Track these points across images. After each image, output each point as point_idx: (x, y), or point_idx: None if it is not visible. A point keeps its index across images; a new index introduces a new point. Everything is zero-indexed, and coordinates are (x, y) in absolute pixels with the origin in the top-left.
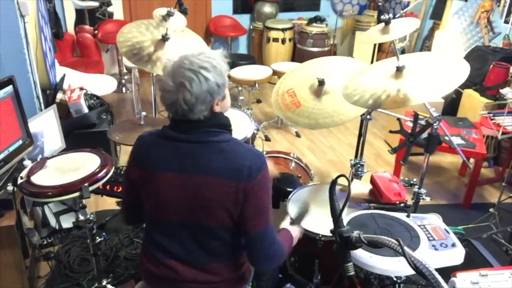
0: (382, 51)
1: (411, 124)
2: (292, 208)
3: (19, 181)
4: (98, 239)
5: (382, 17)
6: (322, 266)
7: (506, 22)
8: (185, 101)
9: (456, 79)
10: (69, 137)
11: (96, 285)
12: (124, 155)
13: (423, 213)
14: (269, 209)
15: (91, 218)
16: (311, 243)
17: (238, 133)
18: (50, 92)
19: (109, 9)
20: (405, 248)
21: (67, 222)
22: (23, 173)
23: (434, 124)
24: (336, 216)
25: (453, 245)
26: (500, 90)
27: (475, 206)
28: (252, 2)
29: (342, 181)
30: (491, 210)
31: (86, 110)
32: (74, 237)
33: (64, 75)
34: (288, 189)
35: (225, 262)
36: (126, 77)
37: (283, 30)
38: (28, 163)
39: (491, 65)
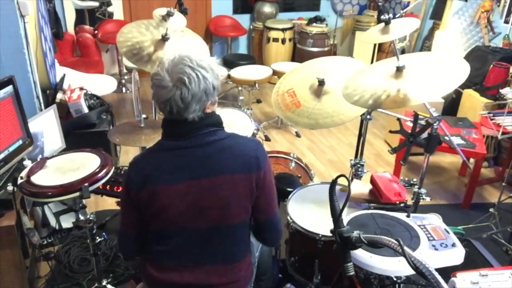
0: (382, 51)
1: (411, 124)
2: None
3: (19, 181)
4: (98, 239)
5: (382, 17)
6: (322, 266)
7: (506, 22)
8: (182, 98)
9: (456, 79)
10: (69, 137)
11: (96, 285)
12: (124, 155)
13: (423, 213)
14: (276, 193)
15: (91, 218)
16: (311, 243)
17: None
18: (50, 92)
19: (109, 9)
20: (405, 248)
21: (67, 222)
22: (23, 173)
23: (434, 124)
24: (336, 216)
25: (453, 245)
26: (500, 90)
27: (475, 206)
28: (252, 2)
29: (342, 181)
30: (491, 210)
31: (86, 110)
32: (74, 237)
33: (64, 75)
34: (288, 189)
35: (234, 264)
36: (126, 77)
37: (283, 30)
38: (28, 163)
39: (491, 65)
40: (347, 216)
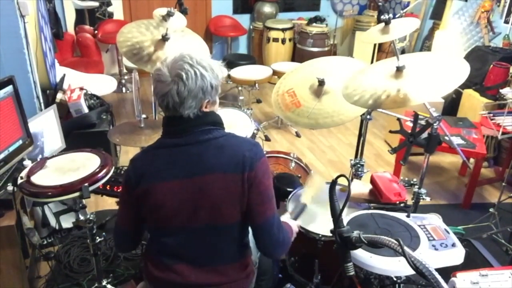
0: (382, 51)
1: (411, 124)
2: (291, 207)
3: (19, 181)
4: (98, 239)
5: (382, 17)
6: (322, 266)
7: (506, 22)
8: (178, 92)
9: (456, 79)
10: (69, 137)
11: (96, 285)
12: (124, 155)
13: (423, 213)
14: (273, 196)
15: (91, 218)
16: (311, 243)
17: (238, 133)
18: (50, 92)
19: (109, 9)
20: (405, 248)
21: (67, 222)
22: (23, 173)
23: (434, 124)
24: (336, 216)
25: (453, 245)
26: (500, 90)
27: (475, 206)
28: (252, 2)
29: (342, 181)
30: (491, 210)
31: (86, 110)
32: (74, 237)
33: (64, 75)
34: (288, 189)
35: (232, 263)
36: (126, 77)
37: (283, 30)
38: (28, 163)
39: (491, 65)
40: (347, 216)
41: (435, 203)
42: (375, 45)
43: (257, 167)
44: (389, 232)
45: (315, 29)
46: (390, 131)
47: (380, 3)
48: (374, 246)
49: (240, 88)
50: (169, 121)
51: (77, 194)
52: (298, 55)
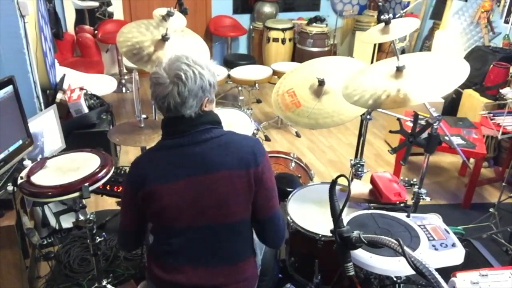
0: (382, 51)
1: (411, 124)
2: None
3: (19, 181)
4: (98, 239)
5: (382, 17)
6: (322, 266)
7: (506, 22)
8: (179, 93)
9: (456, 79)
10: (69, 137)
11: (96, 285)
12: (124, 155)
13: (423, 213)
14: (276, 190)
15: (91, 218)
16: (311, 243)
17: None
18: (50, 92)
19: (109, 9)
20: (405, 248)
21: (67, 222)
22: (23, 173)
23: (434, 124)
24: (336, 216)
25: (453, 245)
26: (500, 90)
27: (475, 206)
28: (252, 2)
29: (342, 181)
30: (491, 210)
31: (86, 110)
32: (74, 237)
33: (64, 75)
34: (288, 189)
35: (239, 263)
36: (126, 77)
37: (283, 30)
38: (28, 163)
39: (491, 65)
40: (347, 216)
41: (435, 203)
42: (375, 45)
43: (262, 162)
44: (389, 232)
45: (315, 29)
46: (390, 131)
47: (380, 3)
48: (374, 246)
49: (240, 88)
50: (170, 122)
51: (77, 194)
52: (298, 55)
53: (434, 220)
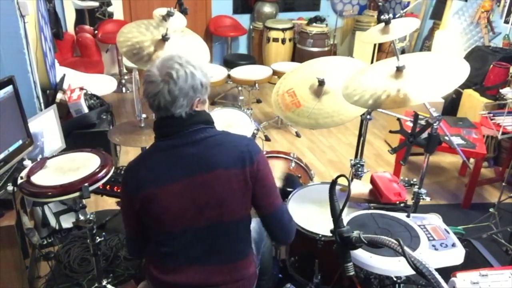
0: (382, 51)
1: (411, 124)
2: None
3: (19, 181)
4: (98, 239)
5: (382, 17)
6: (322, 266)
7: (506, 22)
8: (169, 91)
9: (456, 79)
10: (69, 137)
11: (96, 285)
12: (124, 155)
13: (423, 213)
14: (276, 187)
15: (91, 218)
16: (311, 243)
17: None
18: (50, 92)
19: (109, 9)
20: (405, 248)
21: (67, 222)
22: (23, 173)
23: (434, 124)
24: (336, 216)
25: (453, 245)
26: (500, 90)
27: (475, 206)
28: (252, 2)
29: (342, 181)
30: (491, 210)
31: (86, 110)
32: (74, 237)
33: (64, 75)
34: (288, 189)
35: (237, 262)
36: (126, 77)
37: (283, 30)
38: (28, 163)
39: (491, 65)
40: (347, 216)
41: (435, 203)
42: (375, 45)
43: (257, 160)
44: (389, 232)
45: (315, 29)
46: (390, 131)
47: (380, 3)
48: (374, 246)
49: (240, 88)
50: (162, 122)
51: (77, 194)
52: (298, 55)
53: (434, 220)
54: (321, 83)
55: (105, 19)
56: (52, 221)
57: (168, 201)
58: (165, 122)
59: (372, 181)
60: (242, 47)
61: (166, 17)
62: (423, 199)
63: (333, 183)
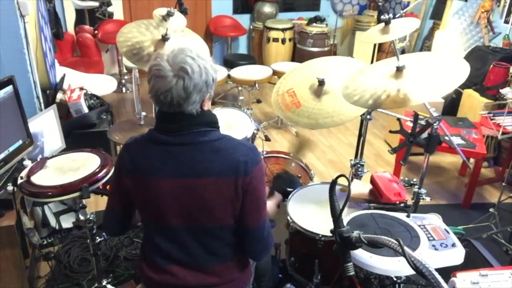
0: (382, 51)
1: (411, 124)
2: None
3: (19, 181)
4: (98, 239)
5: (382, 17)
6: (322, 266)
7: (506, 22)
8: (184, 87)
9: (456, 79)
10: (69, 137)
11: (96, 285)
12: None
13: (423, 213)
14: (266, 202)
15: (91, 218)
16: (311, 243)
17: (238, 133)
18: (50, 92)
19: (109, 9)
20: (405, 248)
21: (67, 222)
22: (23, 173)
23: (434, 124)
24: (336, 216)
25: (453, 245)
26: (500, 90)
27: (475, 206)
28: (252, 2)
29: (342, 181)
30: (491, 210)
31: (86, 110)
32: (74, 237)
33: (64, 75)
34: (288, 189)
35: (227, 263)
36: (126, 77)
37: (283, 30)
38: (28, 163)
39: (491, 65)
40: (347, 216)
41: (435, 203)
42: (375, 45)
43: (252, 172)
44: (389, 232)
45: (315, 29)
46: (390, 131)
47: (380, 3)
48: (374, 246)
49: (240, 88)
50: (168, 117)
51: (77, 194)
52: (298, 55)
53: (434, 220)
54: (321, 83)
55: (105, 19)
56: (52, 221)
57: (155, 194)
58: (172, 117)
59: (372, 181)
60: (242, 47)
61: (166, 17)
62: (423, 199)
63: (333, 183)
